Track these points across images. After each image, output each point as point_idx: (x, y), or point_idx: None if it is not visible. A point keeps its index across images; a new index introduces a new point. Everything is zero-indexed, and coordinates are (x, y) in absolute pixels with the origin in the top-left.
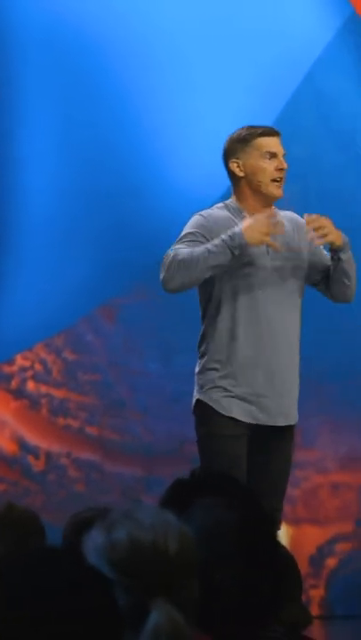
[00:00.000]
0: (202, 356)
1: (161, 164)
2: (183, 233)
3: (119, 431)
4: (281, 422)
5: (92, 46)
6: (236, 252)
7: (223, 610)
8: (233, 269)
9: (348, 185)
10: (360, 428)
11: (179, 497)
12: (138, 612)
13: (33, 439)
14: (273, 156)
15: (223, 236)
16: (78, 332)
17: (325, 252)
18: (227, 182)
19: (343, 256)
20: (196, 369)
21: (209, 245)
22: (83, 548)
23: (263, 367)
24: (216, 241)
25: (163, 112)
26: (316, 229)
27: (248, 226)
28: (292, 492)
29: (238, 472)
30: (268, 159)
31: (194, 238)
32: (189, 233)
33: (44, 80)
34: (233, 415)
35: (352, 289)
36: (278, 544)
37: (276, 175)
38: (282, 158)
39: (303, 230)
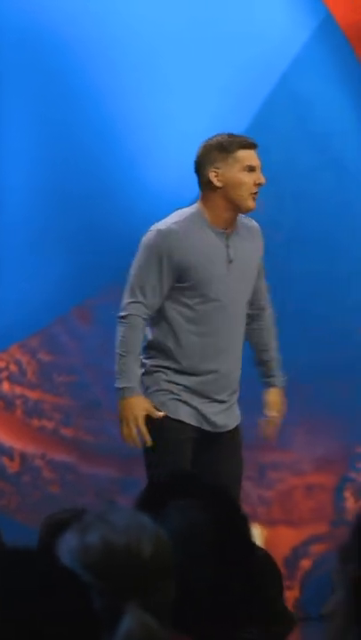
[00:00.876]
0: (148, 358)
1: (135, 166)
2: (135, 272)
3: (94, 432)
4: (223, 429)
5: (66, 47)
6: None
7: (198, 610)
8: (195, 291)
9: (324, 187)
10: (336, 430)
11: (153, 499)
12: (113, 614)
13: (7, 440)
14: (252, 169)
15: (119, 384)
16: (53, 332)
17: (263, 277)
18: None
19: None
20: (142, 370)
21: (122, 362)
22: (57, 550)
23: (210, 376)
24: (121, 370)
25: (136, 113)
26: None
27: (126, 408)
28: (267, 493)
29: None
30: (247, 172)
31: (150, 268)
32: (139, 287)
33: (18, 80)
34: (179, 418)
35: None
36: (253, 544)
37: (255, 189)
38: (260, 173)
39: (258, 238)
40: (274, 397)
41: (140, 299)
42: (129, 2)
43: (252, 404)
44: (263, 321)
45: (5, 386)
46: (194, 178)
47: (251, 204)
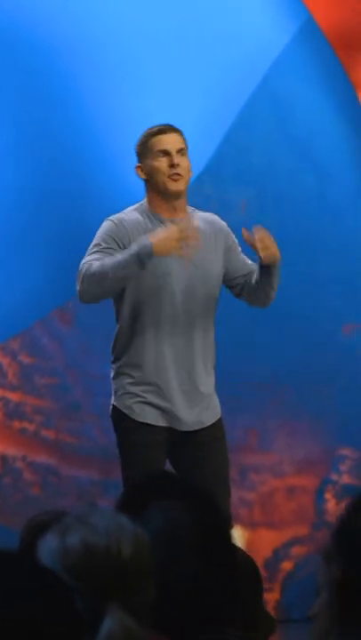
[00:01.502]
0: (114, 361)
1: (116, 166)
2: (94, 242)
3: (75, 434)
4: (197, 427)
5: (47, 46)
6: (146, 264)
7: (179, 611)
8: (145, 274)
9: (304, 189)
10: (317, 432)
11: (134, 500)
12: (94, 616)
13: None
14: (166, 153)
15: (133, 248)
16: (34, 335)
17: (247, 259)
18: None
19: (274, 270)
20: (111, 373)
21: (119, 257)
22: (38, 552)
23: (172, 375)
24: (126, 253)
25: (118, 113)
26: (259, 240)
27: (158, 237)
28: (248, 495)
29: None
30: (161, 157)
31: (104, 247)
32: (98, 244)
33: None
34: (147, 421)
35: (272, 298)
36: (234, 545)
37: (171, 172)
38: (175, 154)
39: (222, 233)
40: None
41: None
42: (112, 4)
43: (234, 405)
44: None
45: None
46: None
47: (172, 185)
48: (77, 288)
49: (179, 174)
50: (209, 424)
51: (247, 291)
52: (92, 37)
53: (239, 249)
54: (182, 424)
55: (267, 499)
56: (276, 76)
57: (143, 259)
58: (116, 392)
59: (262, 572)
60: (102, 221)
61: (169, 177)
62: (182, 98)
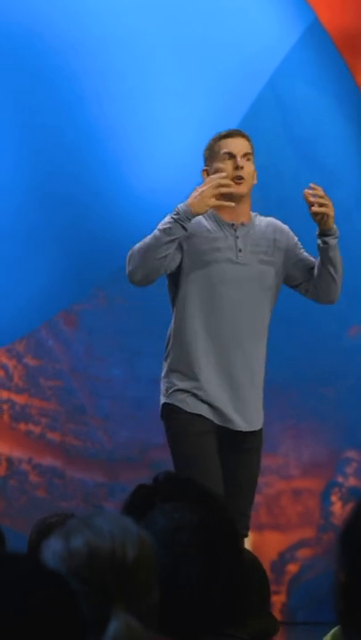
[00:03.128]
0: (166, 359)
1: (122, 170)
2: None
3: (81, 437)
4: (244, 428)
5: (53, 50)
6: (187, 224)
7: (184, 612)
8: (200, 278)
9: None
10: (323, 435)
11: (141, 502)
12: (99, 618)
13: None
14: (231, 156)
15: (172, 213)
16: (40, 337)
17: (309, 255)
18: (188, 189)
19: (331, 241)
20: (163, 372)
21: (159, 225)
22: (41, 555)
23: (225, 374)
24: (166, 219)
25: (124, 117)
26: (318, 199)
27: (193, 195)
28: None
29: (213, 466)
30: (226, 160)
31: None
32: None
33: (4, 82)
34: (200, 412)
35: (338, 284)
36: (240, 546)
37: (234, 174)
38: (240, 157)
39: (283, 235)
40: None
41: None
42: (117, 7)
43: None
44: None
45: None
46: (181, 181)
47: (234, 188)
48: (127, 270)
49: (242, 177)
50: (256, 429)
51: (313, 284)
52: (96, 41)
53: (302, 249)
54: (231, 423)
55: (273, 501)
56: (282, 78)
57: (183, 220)
58: (167, 390)
59: (268, 575)
60: (107, 225)
61: (232, 179)
62: (188, 100)
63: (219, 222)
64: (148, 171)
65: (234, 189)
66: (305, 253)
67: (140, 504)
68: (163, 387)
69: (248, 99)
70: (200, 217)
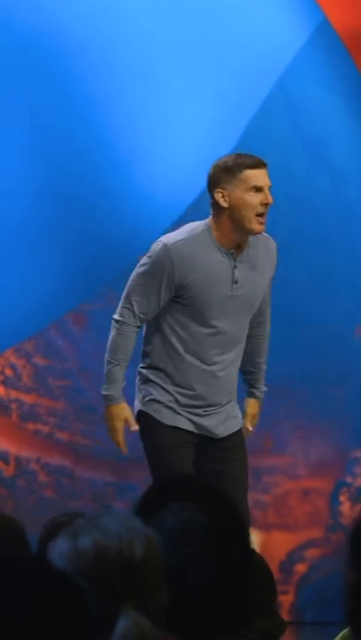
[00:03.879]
0: (144, 367)
1: (132, 171)
2: (141, 270)
3: (90, 436)
4: (222, 434)
5: (64, 51)
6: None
7: (191, 611)
8: (193, 304)
9: (319, 192)
10: (331, 435)
11: (153, 502)
12: (107, 617)
13: (2, 444)
14: (259, 190)
15: (104, 392)
16: (48, 337)
17: (267, 303)
18: (197, 189)
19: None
20: (137, 378)
21: (107, 368)
22: (49, 555)
23: (202, 385)
24: (109, 382)
25: (133, 118)
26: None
27: (110, 416)
28: (262, 497)
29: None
30: (253, 193)
31: (150, 285)
32: (149, 273)
33: (15, 84)
34: (176, 424)
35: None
36: (248, 547)
37: (261, 210)
38: (268, 192)
39: (273, 264)
40: (252, 409)
41: (136, 309)
42: (126, 7)
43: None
44: (261, 332)
45: (0, 390)
46: (190, 183)
47: (256, 226)
48: (114, 316)
49: (264, 215)
50: (233, 431)
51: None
52: (106, 41)
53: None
54: (208, 432)
55: (281, 501)
56: (291, 78)
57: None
58: (144, 397)
59: (277, 575)
60: (116, 225)
61: (257, 216)
62: (197, 101)
63: (219, 250)
64: (158, 171)
65: (257, 229)
66: (269, 288)
67: (151, 503)
68: (139, 392)
69: (258, 99)
70: (199, 244)
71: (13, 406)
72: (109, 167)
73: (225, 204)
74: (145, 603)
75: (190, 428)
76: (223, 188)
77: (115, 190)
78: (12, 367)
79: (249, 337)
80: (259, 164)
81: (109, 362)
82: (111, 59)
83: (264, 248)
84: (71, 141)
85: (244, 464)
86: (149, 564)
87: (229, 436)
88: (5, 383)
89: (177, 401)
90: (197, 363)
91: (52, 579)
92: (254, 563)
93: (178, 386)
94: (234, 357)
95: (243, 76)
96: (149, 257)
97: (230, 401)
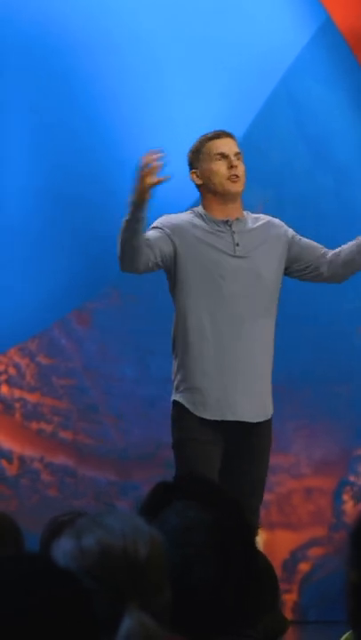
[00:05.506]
0: (175, 357)
1: (134, 168)
2: None
3: (93, 436)
4: (250, 419)
5: (67, 51)
6: (141, 208)
7: (195, 610)
8: (199, 275)
9: (322, 190)
10: (334, 433)
11: (158, 500)
12: (112, 616)
13: (6, 443)
14: (223, 156)
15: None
16: (52, 336)
17: (311, 240)
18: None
19: None
20: (173, 369)
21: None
22: (52, 554)
23: (229, 368)
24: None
25: (137, 117)
26: None
27: (133, 188)
28: (265, 496)
29: (210, 475)
30: (219, 160)
31: (152, 229)
32: (151, 227)
33: (18, 83)
34: (204, 416)
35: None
36: (253, 546)
37: (230, 173)
38: (233, 157)
39: (280, 230)
40: None
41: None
42: (130, 7)
43: None
44: (333, 254)
45: (4, 389)
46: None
47: (230, 187)
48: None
49: (237, 176)
50: (262, 420)
51: (331, 267)
52: (110, 41)
53: (301, 238)
54: (233, 417)
55: (284, 500)
56: (295, 77)
57: (136, 207)
58: (177, 387)
59: (280, 574)
60: (120, 225)
61: (228, 179)
62: (201, 99)
63: (212, 221)
64: (162, 170)
65: (232, 189)
66: (306, 240)
67: (157, 502)
68: (173, 383)
69: (261, 97)
70: (189, 218)
71: (17, 405)
72: (113, 166)
73: (199, 181)
74: (149, 602)
75: (217, 416)
76: (195, 168)
77: (118, 189)
78: (16, 366)
79: (336, 261)
80: (219, 135)
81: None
82: (114, 59)
83: (261, 220)
84: (74, 141)
85: (266, 464)
86: (153, 564)
87: (256, 425)
88: (9, 382)
89: (205, 389)
90: (219, 341)
91: (56, 577)
92: (259, 563)
93: (205, 373)
94: (258, 337)
95: (246, 75)
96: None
97: (261, 387)
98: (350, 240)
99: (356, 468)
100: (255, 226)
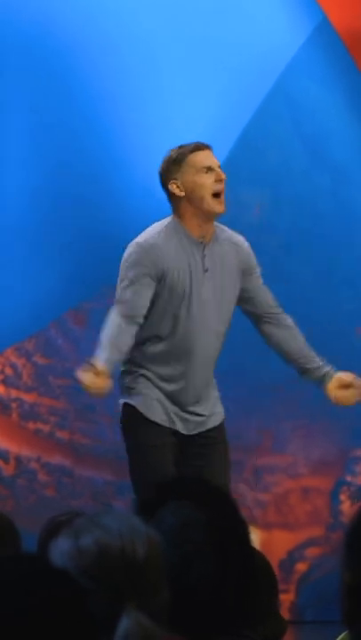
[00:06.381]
0: (128, 361)
1: (131, 169)
2: (124, 272)
3: (90, 435)
4: (197, 430)
5: (64, 51)
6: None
7: (192, 610)
8: (169, 294)
9: (319, 190)
10: (332, 433)
11: (154, 500)
12: (110, 617)
13: (3, 443)
14: (209, 169)
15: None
16: (49, 336)
17: (268, 292)
18: None
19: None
20: (122, 368)
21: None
22: (50, 554)
23: (183, 382)
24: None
25: (134, 117)
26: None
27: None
28: (263, 496)
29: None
30: (205, 174)
31: (135, 280)
32: (128, 277)
33: (16, 83)
34: (156, 420)
35: None
36: (249, 545)
37: (216, 187)
38: (218, 170)
39: (243, 255)
40: (341, 376)
41: (124, 312)
42: (127, 6)
43: (249, 406)
44: (288, 324)
45: (1, 389)
46: None
47: (215, 206)
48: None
49: (221, 194)
50: (213, 426)
51: (269, 333)
52: (107, 40)
53: (258, 275)
54: (183, 430)
55: (281, 500)
56: (291, 77)
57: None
58: (130, 389)
59: (277, 574)
60: (117, 223)
61: (214, 195)
62: (198, 99)
63: (188, 238)
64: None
65: (216, 210)
66: (260, 282)
67: (152, 502)
68: (124, 385)
69: (258, 97)
70: (165, 239)
71: (14, 405)
72: (110, 166)
73: (181, 193)
74: (147, 602)
75: (167, 423)
76: (175, 179)
77: (115, 189)
78: (13, 366)
79: (282, 336)
80: (201, 147)
81: (102, 339)
82: (113, 59)
83: (230, 244)
84: (74, 141)
85: (223, 464)
86: (151, 564)
87: (212, 429)
88: (6, 382)
89: (158, 395)
90: (177, 357)
91: (53, 578)
92: (257, 561)
93: (157, 379)
94: (214, 356)
95: (242, 74)
96: (129, 262)
97: (212, 398)
98: (346, 240)
99: (353, 468)
100: (224, 249)
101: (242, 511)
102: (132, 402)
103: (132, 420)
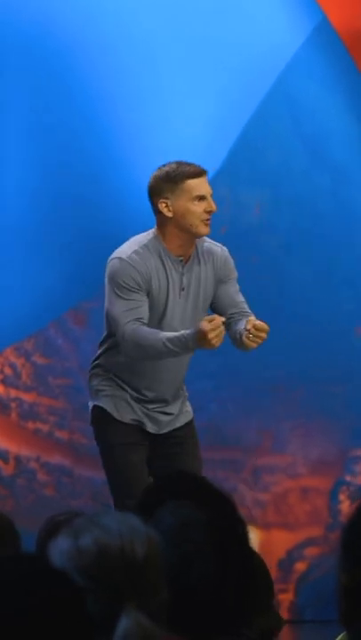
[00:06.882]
0: (97, 365)
1: (131, 169)
2: (114, 287)
3: (89, 435)
4: (166, 429)
5: (63, 51)
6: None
7: (191, 609)
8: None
9: (319, 189)
10: (331, 433)
11: (153, 500)
12: (109, 617)
13: (2, 443)
14: (202, 198)
15: (184, 336)
16: (48, 335)
17: (239, 296)
18: None
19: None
20: (91, 372)
21: (168, 343)
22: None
23: (149, 391)
24: (176, 340)
25: (134, 117)
26: (254, 335)
27: (200, 338)
28: (262, 496)
29: (140, 479)
30: (197, 202)
31: (129, 292)
32: (121, 290)
33: (15, 83)
34: (125, 421)
35: None
36: (247, 545)
37: (205, 217)
38: (210, 200)
39: (218, 263)
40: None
41: (130, 318)
42: (126, 5)
43: (248, 407)
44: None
45: (0, 389)
46: None
47: (203, 229)
48: (120, 341)
49: (209, 218)
50: (181, 425)
51: (229, 330)
52: (107, 40)
53: (233, 282)
54: (153, 430)
55: (281, 500)
56: (291, 76)
57: (191, 348)
58: (98, 392)
59: (276, 573)
60: (116, 223)
61: (202, 221)
62: (197, 99)
63: (169, 257)
64: None
65: (203, 233)
66: (233, 290)
67: (150, 502)
68: (94, 388)
69: (257, 97)
70: (146, 258)
71: (13, 405)
72: (109, 166)
73: (169, 214)
74: (147, 602)
75: (140, 424)
76: (166, 198)
77: (115, 189)
78: (12, 366)
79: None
80: (200, 173)
81: (159, 347)
82: (113, 59)
83: (209, 255)
84: (73, 141)
85: (197, 453)
86: (151, 563)
87: (181, 428)
88: (5, 382)
89: (126, 398)
90: (149, 366)
91: (53, 578)
92: (255, 561)
93: (125, 385)
94: (184, 365)
95: (242, 74)
96: (113, 277)
97: (180, 401)
98: (346, 240)
99: (352, 467)
100: (201, 267)
101: (241, 511)
102: (100, 404)
103: (102, 422)
